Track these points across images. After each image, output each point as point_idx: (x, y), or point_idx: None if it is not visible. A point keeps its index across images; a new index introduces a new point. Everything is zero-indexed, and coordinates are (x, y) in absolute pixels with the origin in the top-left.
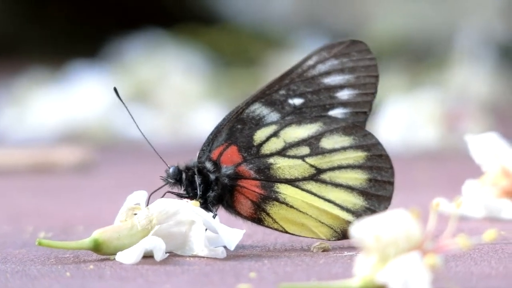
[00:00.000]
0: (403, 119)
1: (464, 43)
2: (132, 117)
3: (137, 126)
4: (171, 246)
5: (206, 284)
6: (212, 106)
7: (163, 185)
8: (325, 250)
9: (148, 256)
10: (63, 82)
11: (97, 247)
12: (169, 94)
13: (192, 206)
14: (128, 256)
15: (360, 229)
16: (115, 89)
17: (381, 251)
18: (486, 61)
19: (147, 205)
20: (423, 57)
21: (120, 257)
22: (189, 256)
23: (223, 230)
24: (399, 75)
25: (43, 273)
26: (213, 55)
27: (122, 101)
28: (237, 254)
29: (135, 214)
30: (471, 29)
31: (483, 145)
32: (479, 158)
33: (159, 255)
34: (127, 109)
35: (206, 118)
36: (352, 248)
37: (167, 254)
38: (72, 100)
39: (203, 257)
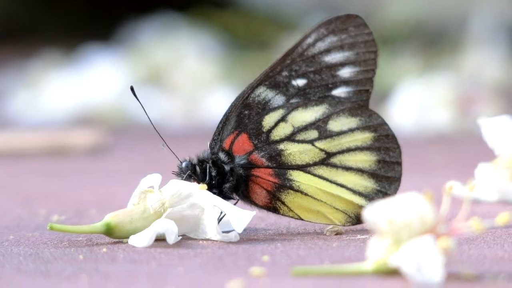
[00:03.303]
0: (416, 103)
1: (477, 27)
2: (146, 113)
3: (153, 124)
4: (184, 229)
5: (219, 267)
6: (226, 89)
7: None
8: (338, 233)
9: (161, 239)
10: (77, 65)
11: (109, 231)
12: (183, 77)
13: (199, 191)
14: (140, 240)
15: (373, 212)
16: (131, 88)
17: (394, 235)
18: (499, 45)
19: (160, 188)
20: (436, 41)
21: (132, 240)
22: (202, 239)
23: (232, 212)
24: (412, 59)
25: (56, 256)
26: (227, 38)
27: (138, 99)
28: (250, 238)
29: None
30: (484, 13)
31: (496, 128)
32: (492, 141)
33: (171, 238)
34: (142, 106)
35: (220, 101)
36: (365, 231)
37: (180, 237)
38: (86, 83)
39: (216, 240)
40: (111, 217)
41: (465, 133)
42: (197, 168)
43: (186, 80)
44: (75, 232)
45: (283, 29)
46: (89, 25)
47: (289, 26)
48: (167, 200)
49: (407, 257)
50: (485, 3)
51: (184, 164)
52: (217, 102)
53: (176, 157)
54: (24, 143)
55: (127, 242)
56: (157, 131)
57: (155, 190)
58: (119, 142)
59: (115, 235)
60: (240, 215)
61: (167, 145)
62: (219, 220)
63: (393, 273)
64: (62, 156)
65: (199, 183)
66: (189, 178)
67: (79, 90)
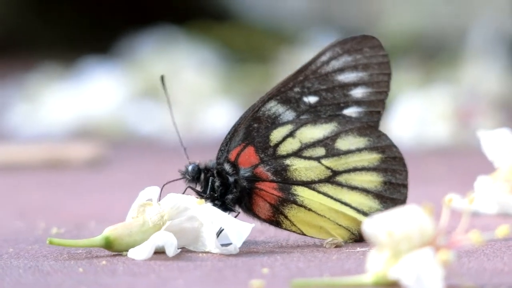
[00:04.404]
0: (415, 115)
1: (476, 39)
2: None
3: (174, 125)
4: (183, 241)
5: (218, 280)
6: (224, 102)
7: (179, 179)
8: (337, 246)
9: (161, 252)
10: (76, 78)
11: (108, 245)
12: (181, 90)
13: (198, 205)
14: (140, 252)
15: (372, 224)
16: (162, 78)
17: (394, 247)
18: (498, 58)
19: (159, 201)
20: (435, 53)
21: (132, 253)
22: (202, 252)
23: (230, 225)
24: (411, 71)
25: (55, 269)
26: (226, 52)
27: (165, 92)
28: (249, 250)
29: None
30: (483, 25)
31: (496, 141)
32: (492, 154)
33: (171, 251)
34: (169, 103)
35: (219, 115)
36: (364, 244)
37: (179, 250)
38: (85, 96)
39: (216, 253)
40: (110, 231)
41: (464, 146)
42: (202, 175)
43: (185, 93)
44: (74, 246)
45: (282, 42)
46: (88, 38)
47: (288, 39)
48: (166, 213)
49: (407, 270)
50: (484, 16)
51: (190, 167)
52: (216, 116)
53: (188, 160)
54: (23, 156)
55: (126, 254)
56: (177, 131)
57: (154, 203)
58: (118, 155)
59: (114, 248)
60: (239, 228)
61: (184, 150)
62: (219, 232)
63: (393, 285)
64: (61, 169)
65: (200, 191)
66: (193, 181)
67: (78, 103)
